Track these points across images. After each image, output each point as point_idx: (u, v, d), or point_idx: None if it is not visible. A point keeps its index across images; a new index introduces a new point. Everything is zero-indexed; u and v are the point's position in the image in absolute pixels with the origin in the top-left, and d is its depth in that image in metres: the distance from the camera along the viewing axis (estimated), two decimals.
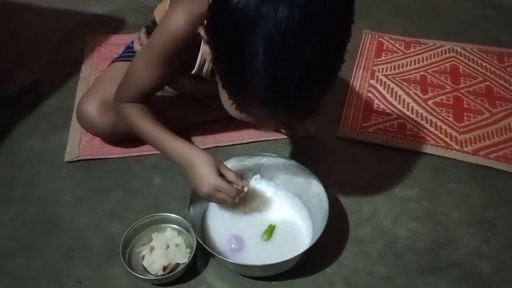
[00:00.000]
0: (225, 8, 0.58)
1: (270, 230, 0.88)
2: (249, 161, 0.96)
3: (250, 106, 0.66)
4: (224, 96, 0.71)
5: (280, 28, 0.56)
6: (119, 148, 1.08)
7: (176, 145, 0.89)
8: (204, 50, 0.76)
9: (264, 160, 0.95)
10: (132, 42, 1.09)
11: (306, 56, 0.59)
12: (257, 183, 0.96)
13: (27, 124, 1.17)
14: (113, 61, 1.13)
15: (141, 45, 1.03)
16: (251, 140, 1.12)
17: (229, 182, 0.84)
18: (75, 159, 1.06)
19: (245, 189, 0.85)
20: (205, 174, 0.83)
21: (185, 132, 1.10)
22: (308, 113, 0.68)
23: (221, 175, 0.84)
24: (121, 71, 1.04)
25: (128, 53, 1.10)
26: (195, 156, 0.85)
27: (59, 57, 1.40)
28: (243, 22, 0.57)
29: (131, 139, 1.06)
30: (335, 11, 0.59)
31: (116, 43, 1.42)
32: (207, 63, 0.91)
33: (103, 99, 1.01)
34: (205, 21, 0.66)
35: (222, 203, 0.86)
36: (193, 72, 0.92)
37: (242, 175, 0.88)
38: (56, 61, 1.38)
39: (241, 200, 0.89)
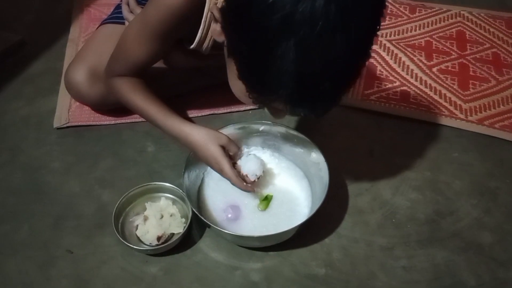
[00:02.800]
0: (255, 0, 0.53)
1: (267, 201, 0.86)
2: (246, 129, 0.92)
3: (272, 102, 0.63)
4: (236, 84, 0.66)
5: (316, 26, 0.51)
6: (111, 114, 1.03)
7: (169, 123, 0.84)
8: (213, 29, 0.70)
9: (262, 128, 0.91)
10: (121, 0, 1.02)
11: (338, 54, 0.55)
12: (262, 153, 0.93)
13: (11, 87, 1.11)
14: (102, 23, 1.06)
15: (131, 12, 0.96)
16: (248, 108, 1.08)
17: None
18: (65, 125, 1.01)
19: (251, 178, 0.81)
20: (208, 154, 0.80)
21: (181, 98, 1.06)
22: (329, 110, 0.64)
23: (224, 148, 0.81)
24: (110, 36, 0.98)
25: (117, 14, 1.04)
26: (191, 136, 0.81)
27: (45, 16, 1.33)
28: (276, 19, 0.52)
29: (123, 107, 1.01)
30: (369, 3, 0.55)
31: (106, 3, 1.35)
32: (208, 38, 0.84)
33: (92, 67, 0.95)
34: (221, 2, 0.61)
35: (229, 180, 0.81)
36: (191, 47, 0.86)
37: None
38: (41, 21, 1.31)
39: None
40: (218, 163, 0.79)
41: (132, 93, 0.88)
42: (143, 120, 1.02)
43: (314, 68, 0.56)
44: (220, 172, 0.80)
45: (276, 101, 0.62)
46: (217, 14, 0.65)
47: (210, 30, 0.80)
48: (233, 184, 0.80)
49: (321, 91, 0.58)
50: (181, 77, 1.06)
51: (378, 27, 0.57)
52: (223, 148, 0.81)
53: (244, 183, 0.80)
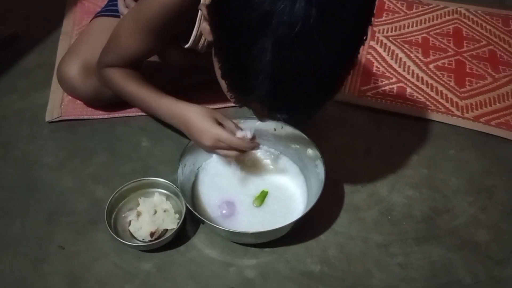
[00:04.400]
0: None
1: (262, 196, 0.85)
2: (242, 125, 0.90)
3: (250, 102, 0.62)
4: (223, 85, 0.66)
5: (294, 27, 0.50)
6: (104, 109, 1.02)
7: (163, 103, 0.83)
8: (203, 27, 0.69)
9: (258, 123, 0.90)
10: None
11: (318, 60, 0.54)
12: (257, 149, 0.91)
13: (4, 81, 1.10)
14: (96, 16, 1.05)
15: (126, 7, 0.95)
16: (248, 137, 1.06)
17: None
18: (57, 119, 1.00)
19: (248, 134, 0.78)
20: (203, 127, 0.77)
21: (177, 94, 1.04)
22: (311, 118, 0.63)
23: (219, 124, 0.78)
24: (103, 29, 0.97)
25: (111, 7, 1.02)
26: (186, 111, 0.79)
27: (39, 9, 1.31)
28: (254, 16, 0.51)
29: (116, 103, 1.00)
30: (356, 12, 0.53)
31: None
32: (203, 37, 0.83)
33: (85, 62, 0.94)
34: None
35: (227, 155, 0.79)
36: (187, 46, 0.85)
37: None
38: (35, 14, 1.29)
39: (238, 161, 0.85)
40: (212, 134, 0.76)
41: (124, 80, 0.86)
42: (138, 114, 1.02)
43: (291, 71, 0.54)
44: (217, 143, 0.76)
45: (254, 102, 0.61)
46: (204, 12, 0.64)
47: (200, 28, 0.79)
48: (231, 155, 0.77)
49: (298, 96, 0.57)
50: (178, 73, 1.05)
51: (364, 37, 0.56)
52: (218, 123, 0.78)
53: (247, 142, 0.77)
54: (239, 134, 0.78)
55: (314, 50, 0.53)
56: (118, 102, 0.98)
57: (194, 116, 0.78)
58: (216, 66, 0.65)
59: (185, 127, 0.80)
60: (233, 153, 0.78)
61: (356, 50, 0.57)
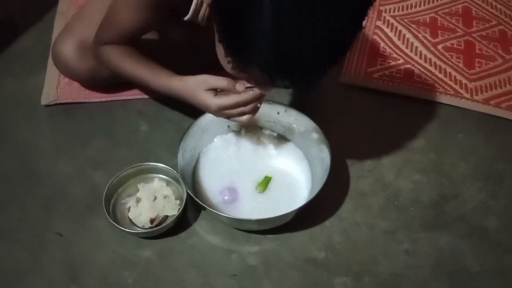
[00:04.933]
0: None
1: (265, 182, 0.82)
2: None
3: (249, 69, 0.59)
4: (220, 50, 0.62)
5: None
6: (101, 91, 0.99)
7: (160, 83, 0.80)
8: None
9: (261, 107, 0.87)
10: None
11: (321, 20, 0.50)
12: (261, 132, 0.89)
13: None
14: None
15: None
16: (247, 85, 1.02)
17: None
18: (53, 103, 0.97)
19: (240, 88, 0.73)
20: (201, 102, 0.75)
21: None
22: (314, 84, 0.60)
23: (215, 90, 0.75)
24: (100, 7, 0.93)
25: None
26: (183, 89, 0.76)
27: None
28: None
29: (113, 84, 0.97)
30: None
31: None
32: (204, 6, 0.79)
33: (81, 40, 0.90)
34: None
35: (241, 117, 0.75)
36: (186, 17, 0.81)
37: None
38: None
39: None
40: (214, 106, 0.73)
41: (121, 58, 0.83)
42: (136, 97, 0.99)
43: (291, 33, 0.51)
44: (222, 112, 0.74)
45: (253, 67, 0.57)
46: None
47: None
48: (244, 114, 0.74)
49: (300, 61, 0.53)
50: (177, 55, 1.01)
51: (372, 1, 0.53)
52: (213, 90, 0.75)
53: (250, 94, 0.73)
54: (238, 86, 0.73)
55: (317, 10, 0.49)
56: (115, 82, 0.95)
57: (190, 93, 0.76)
58: (215, 32, 0.62)
59: (187, 101, 0.78)
60: (244, 117, 0.75)
61: (363, 11, 0.54)
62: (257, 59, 0.55)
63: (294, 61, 0.54)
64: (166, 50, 0.99)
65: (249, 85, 0.74)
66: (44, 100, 0.97)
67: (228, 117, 0.76)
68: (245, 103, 0.73)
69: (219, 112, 0.74)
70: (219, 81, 0.75)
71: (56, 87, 0.99)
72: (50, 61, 1.03)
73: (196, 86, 0.75)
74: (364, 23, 0.55)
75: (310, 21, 0.50)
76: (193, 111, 0.95)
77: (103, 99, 0.98)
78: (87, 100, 0.98)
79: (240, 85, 0.74)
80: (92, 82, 0.97)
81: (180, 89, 0.77)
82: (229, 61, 0.60)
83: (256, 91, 0.73)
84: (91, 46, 0.87)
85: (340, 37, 0.54)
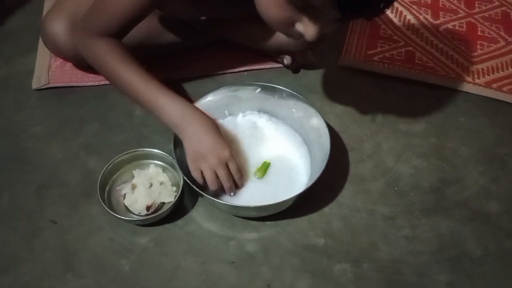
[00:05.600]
0: None
1: (264, 168, 0.81)
2: (242, 92, 0.85)
3: None
4: None
5: None
6: (93, 74, 0.96)
7: (176, 101, 0.73)
8: None
9: (258, 90, 0.85)
10: None
11: None
12: (259, 117, 0.87)
13: None
14: None
15: None
16: (243, 69, 1.01)
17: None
18: (44, 87, 0.94)
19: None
20: (218, 141, 0.71)
21: (171, 59, 0.98)
22: (384, 10, 0.56)
23: None
24: None
25: None
26: (202, 114, 0.73)
27: None
28: None
29: None
30: None
31: None
32: None
33: (72, 16, 0.86)
34: None
35: (209, 184, 0.73)
36: None
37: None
38: None
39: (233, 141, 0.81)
40: (225, 153, 0.71)
41: (118, 60, 0.74)
42: None
43: None
44: (220, 164, 0.71)
45: None
46: None
47: None
48: (227, 183, 0.74)
49: None
50: (171, 35, 0.98)
51: None
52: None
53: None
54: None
55: None
56: None
57: (210, 124, 0.72)
58: None
59: (185, 124, 0.72)
60: (229, 182, 0.73)
61: None
62: None
63: None
64: (162, 31, 0.96)
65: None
66: (35, 84, 0.94)
67: (211, 171, 0.72)
68: (242, 176, 0.74)
69: (220, 161, 0.71)
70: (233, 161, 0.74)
71: (47, 70, 0.96)
72: (40, 43, 1.00)
73: (217, 125, 0.73)
74: None
75: None
76: (190, 95, 0.93)
77: (96, 83, 0.95)
78: (79, 84, 0.95)
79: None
80: (83, 62, 0.92)
81: (198, 113, 0.73)
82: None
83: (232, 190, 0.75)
84: (78, 32, 0.79)
85: None
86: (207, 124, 0.72)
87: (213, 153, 0.71)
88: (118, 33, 0.77)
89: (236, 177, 0.74)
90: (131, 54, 0.77)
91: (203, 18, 0.95)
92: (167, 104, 0.73)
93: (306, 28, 0.61)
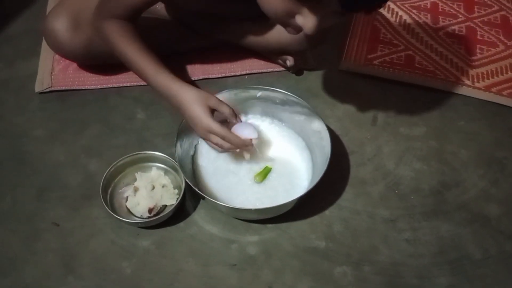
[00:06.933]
0: None
1: (265, 173, 0.81)
2: (243, 95, 0.85)
3: None
4: None
5: None
6: (96, 77, 0.96)
7: (160, 80, 0.76)
8: None
9: (260, 94, 0.85)
10: None
11: None
12: (261, 121, 0.88)
13: None
14: None
15: None
16: (244, 72, 1.01)
17: (224, 120, 0.74)
18: (47, 90, 0.94)
19: (254, 135, 0.76)
20: (195, 115, 0.73)
21: (173, 61, 0.98)
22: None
23: (214, 111, 0.74)
24: None
25: None
26: (182, 95, 0.74)
27: None
28: None
29: (109, 66, 0.95)
30: None
31: None
32: None
33: (74, 13, 0.86)
34: None
35: (219, 146, 0.75)
36: None
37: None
38: None
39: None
40: (203, 125, 0.72)
41: (124, 39, 0.78)
42: (132, 84, 0.96)
43: None
44: (207, 134, 0.73)
45: None
46: None
47: None
48: (223, 147, 0.74)
49: None
50: (173, 36, 0.98)
51: None
52: (213, 110, 0.74)
53: (242, 138, 0.74)
54: (243, 136, 0.75)
55: None
56: (111, 63, 0.92)
57: (188, 102, 0.74)
58: None
59: (179, 110, 0.76)
60: (226, 145, 0.74)
61: None
62: None
63: None
64: (164, 29, 0.97)
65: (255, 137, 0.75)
66: (38, 88, 0.94)
67: (208, 141, 0.75)
68: (230, 142, 0.73)
69: (205, 132, 0.73)
70: (222, 106, 0.75)
71: (50, 74, 0.96)
72: (43, 47, 1.00)
73: (197, 98, 0.73)
74: None
75: None
76: None
77: (99, 86, 0.96)
78: (81, 87, 0.95)
79: (238, 119, 0.75)
80: (86, 60, 0.93)
81: (179, 93, 0.74)
82: None
83: (248, 142, 0.75)
84: (91, 18, 0.82)
85: None
86: (189, 98, 0.74)
87: (196, 127, 0.74)
88: (129, 17, 0.79)
89: (225, 146, 0.74)
90: (136, 34, 0.79)
91: (204, 20, 0.95)
92: (162, 80, 0.76)
93: (306, 20, 0.61)
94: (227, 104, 0.76)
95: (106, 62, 0.93)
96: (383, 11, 1.17)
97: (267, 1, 0.63)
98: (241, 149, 0.79)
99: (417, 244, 0.77)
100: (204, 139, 0.76)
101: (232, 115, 0.76)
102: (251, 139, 0.76)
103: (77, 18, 0.86)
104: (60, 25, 0.86)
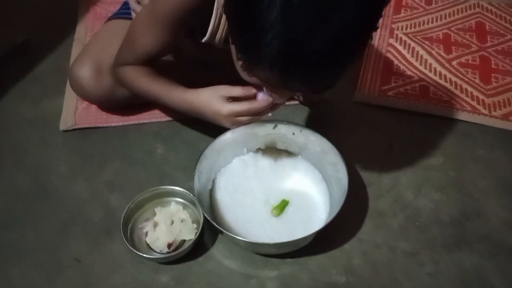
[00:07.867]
0: None
1: (282, 206, 0.81)
2: (258, 129, 0.87)
3: (260, 68, 0.58)
4: (234, 53, 0.63)
5: None
6: (118, 116, 1.00)
7: (174, 96, 0.80)
8: (219, 0, 0.68)
9: (275, 126, 0.87)
10: None
11: (334, 19, 0.49)
12: (277, 154, 0.89)
13: (16, 88, 1.08)
14: (109, 19, 1.03)
15: (138, 3, 0.93)
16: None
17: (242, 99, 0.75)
18: (71, 128, 0.98)
19: (260, 96, 0.75)
20: (213, 111, 0.75)
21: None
22: (329, 86, 0.59)
23: (229, 98, 0.76)
24: (117, 30, 0.95)
25: (125, 10, 1.00)
26: (196, 100, 0.77)
27: (51, 16, 1.29)
28: None
29: (129, 106, 0.98)
30: None
31: (112, 1, 1.30)
32: (220, 29, 0.80)
33: (98, 62, 0.92)
34: None
35: (250, 121, 0.77)
36: (203, 40, 0.82)
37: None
38: (47, 21, 1.27)
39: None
40: (227, 113, 0.74)
41: (137, 76, 0.83)
42: (152, 121, 0.99)
43: (302, 28, 0.50)
44: (234, 119, 0.74)
45: (262, 65, 0.56)
46: None
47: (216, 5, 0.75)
48: (256, 118, 0.76)
49: (312, 57, 0.52)
50: (186, 72, 1.02)
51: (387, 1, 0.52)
52: (227, 98, 0.75)
53: (265, 99, 0.74)
54: (260, 97, 0.75)
55: (330, 6, 0.48)
56: (131, 104, 0.96)
57: (203, 103, 0.76)
58: (230, 35, 0.62)
59: (202, 115, 0.78)
60: (257, 114, 0.76)
61: (379, 10, 0.53)
62: (266, 55, 0.53)
63: (306, 58, 0.52)
64: (177, 68, 1.00)
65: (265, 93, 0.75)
66: (62, 126, 0.98)
67: (240, 125, 0.77)
68: (256, 111, 0.74)
69: (230, 118, 0.75)
70: (233, 89, 0.76)
71: (74, 113, 1.00)
72: (67, 87, 1.05)
73: (209, 96, 0.76)
74: (379, 23, 0.54)
75: (320, 13, 0.49)
76: (209, 132, 0.96)
77: (120, 123, 0.99)
78: (104, 125, 0.99)
79: (252, 89, 0.74)
80: (109, 104, 0.98)
81: (193, 100, 0.77)
82: (241, 63, 0.60)
83: (268, 99, 0.74)
84: (111, 67, 0.88)
85: (352, 32, 0.52)
86: (203, 99, 0.76)
87: (220, 121, 0.76)
88: (144, 65, 0.84)
89: (257, 115, 0.75)
90: (150, 69, 0.84)
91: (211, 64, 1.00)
92: (176, 96, 0.80)
93: (269, 91, 0.68)
94: (236, 86, 0.75)
95: (128, 104, 0.97)
96: (395, 43, 1.20)
97: (240, 74, 0.68)
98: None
99: (439, 277, 0.76)
100: (235, 126, 0.77)
101: (246, 91, 0.75)
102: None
103: (99, 66, 0.91)
104: (84, 73, 0.92)
